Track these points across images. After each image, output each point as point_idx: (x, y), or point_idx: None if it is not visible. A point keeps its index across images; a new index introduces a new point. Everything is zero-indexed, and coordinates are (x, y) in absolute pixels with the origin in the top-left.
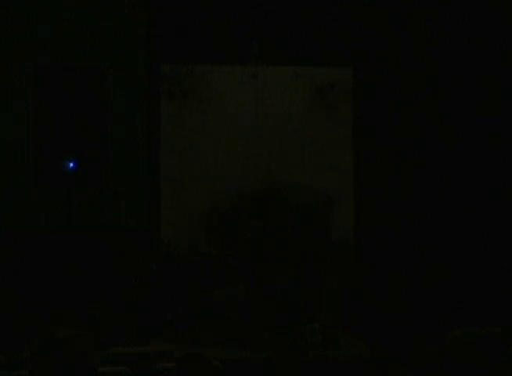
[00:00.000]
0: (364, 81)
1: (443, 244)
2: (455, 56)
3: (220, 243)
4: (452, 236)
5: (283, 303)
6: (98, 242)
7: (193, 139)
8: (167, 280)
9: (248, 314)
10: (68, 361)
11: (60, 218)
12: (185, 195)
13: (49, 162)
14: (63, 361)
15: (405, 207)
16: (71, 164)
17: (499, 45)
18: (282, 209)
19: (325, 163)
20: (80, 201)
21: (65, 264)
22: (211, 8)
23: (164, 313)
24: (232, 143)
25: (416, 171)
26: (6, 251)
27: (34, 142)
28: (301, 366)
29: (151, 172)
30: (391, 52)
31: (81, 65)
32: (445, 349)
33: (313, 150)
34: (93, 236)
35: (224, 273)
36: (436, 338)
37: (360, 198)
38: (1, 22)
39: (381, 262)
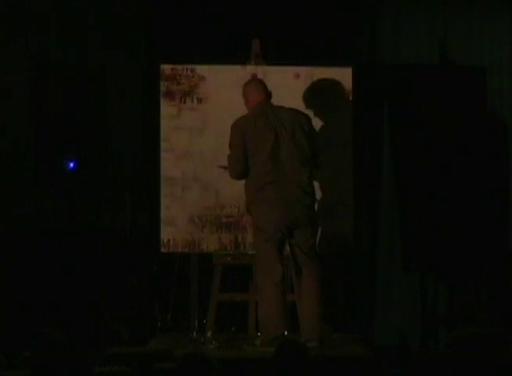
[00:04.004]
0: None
1: (443, 243)
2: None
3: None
4: (453, 236)
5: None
6: (98, 242)
7: (193, 139)
8: (167, 280)
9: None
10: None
11: (60, 219)
12: (185, 195)
13: (49, 162)
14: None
15: (405, 207)
16: (71, 164)
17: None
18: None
19: None
20: (80, 201)
21: (65, 264)
22: (211, 8)
23: None
24: None
25: (417, 170)
26: (6, 251)
27: (34, 142)
28: (301, 366)
29: (151, 172)
30: (391, 52)
31: (81, 65)
32: (446, 349)
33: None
34: (93, 237)
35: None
36: (436, 337)
37: (360, 199)
38: (2, 22)
39: (381, 262)
